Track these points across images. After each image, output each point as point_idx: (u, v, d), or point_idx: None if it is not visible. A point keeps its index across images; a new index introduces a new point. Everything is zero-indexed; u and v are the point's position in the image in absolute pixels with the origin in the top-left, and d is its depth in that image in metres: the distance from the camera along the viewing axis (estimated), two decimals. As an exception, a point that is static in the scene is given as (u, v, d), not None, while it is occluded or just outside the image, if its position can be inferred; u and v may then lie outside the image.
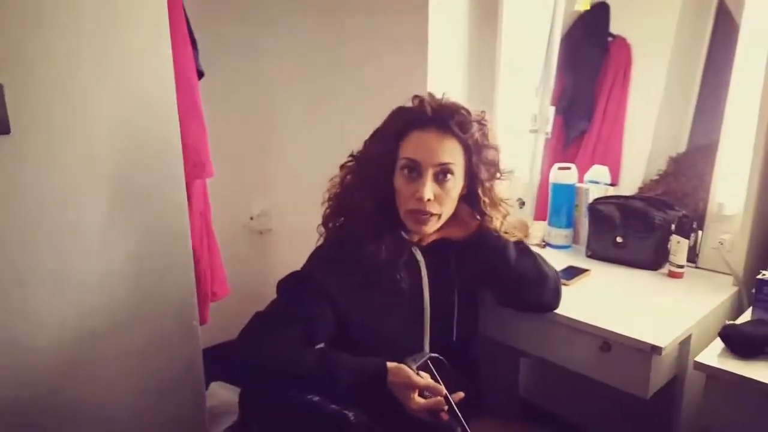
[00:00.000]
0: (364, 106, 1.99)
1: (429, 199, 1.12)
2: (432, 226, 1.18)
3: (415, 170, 1.13)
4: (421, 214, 1.15)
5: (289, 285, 1.18)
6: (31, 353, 1.28)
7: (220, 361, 1.63)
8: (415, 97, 1.18)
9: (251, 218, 2.49)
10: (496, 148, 1.20)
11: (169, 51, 1.36)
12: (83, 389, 1.36)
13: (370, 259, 1.15)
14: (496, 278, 1.27)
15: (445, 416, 1.04)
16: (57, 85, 1.23)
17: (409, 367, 1.08)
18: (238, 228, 2.45)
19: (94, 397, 1.38)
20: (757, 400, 1.06)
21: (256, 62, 2.32)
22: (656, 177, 1.77)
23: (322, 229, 1.25)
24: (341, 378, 1.06)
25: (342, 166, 1.23)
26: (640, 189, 1.77)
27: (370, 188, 1.18)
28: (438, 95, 1.17)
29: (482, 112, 1.19)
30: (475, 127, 1.16)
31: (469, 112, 1.16)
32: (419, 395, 1.05)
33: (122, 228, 1.37)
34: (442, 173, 1.14)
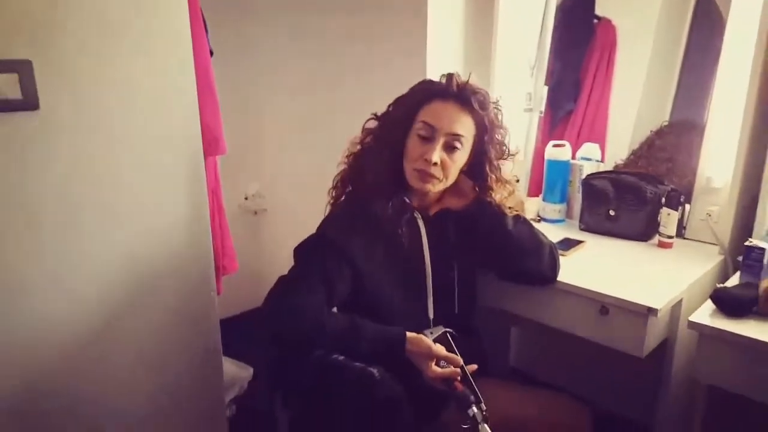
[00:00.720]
0: (359, 87, 2.04)
1: (435, 163, 1.19)
2: (434, 187, 1.24)
3: (429, 135, 1.20)
4: (425, 173, 1.21)
5: (308, 249, 1.22)
6: (51, 331, 1.30)
7: (221, 336, 1.66)
8: (444, 75, 1.25)
9: (246, 198, 2.50)
10: (505, 130, 1.28)
11: (188, 30, 1.38)
12: (106, 364, 1.39)
13: (378, 213, 1.21)
14: (494, 246, 1.31)
15: (459, 386, 1.10)
16: (83, 62, 1.24)
17: (427, 338, 1.15)
18: (234, 208, 2.46)
19: (113, 369, 1.41)
20: (744, 354, 1.15)
21: (253, 44, 2.32)
22: (630, 157, 1.83)
23: (333, 192, 1.30)
24: (365, 343, 1.12)
25: (364, 128, 1.29)
26: (616, 167, 1.83)
27: (387, 149, 1.24)
28: (464, 77, 1.24)
29: (498, 97, 1.29)
30: (491, 107, 1.24)
31: (488, 95, 1.24)
32: (436, 364, 1.13)
33: (144, 202, 1.39)
34: (452, 143, 1.21)
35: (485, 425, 1.05)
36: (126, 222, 1.37)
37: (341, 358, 1.12)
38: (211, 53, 1.61)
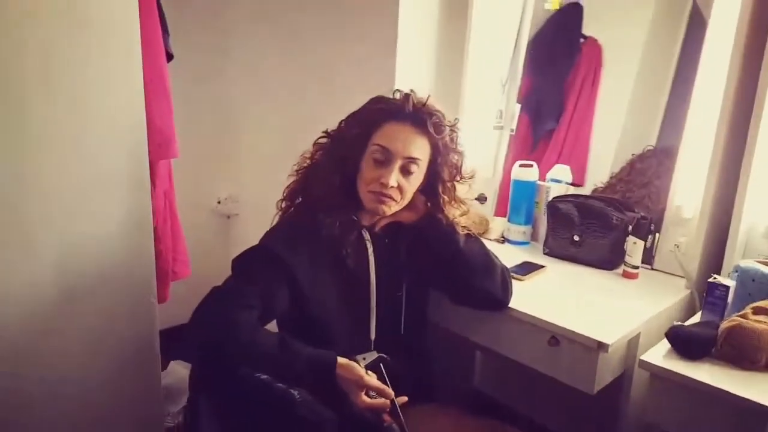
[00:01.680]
0: (331, 96, 2.01)
1: (392, 186, 1.18)
2: (389, 209, 1.22)
3: (385, 158, 1.19)
4: (382, 195, 1.20)
5: (246, 261, 1.19)
6: None
7: (181, 341, 1.61)
8: (398, 91, 1.24)
9: (218, 202, 2.49)
10: (460, 154, 1.26)
11: (137, 29, 1.36)
12: (36, 366, 1.35)
13: (323, 232, 1.19)
14: (444, 264, 1.27)
15: (387, 418, 1.07)
16: (21, 57, 1.22)
17: (359, 364, 1.10)
18: (206, 212, 2.46)
19: (47, 374, 1.37)
20: (699, 400, 1.06)
21: (226, 48, 2.32)
22: (610, 180, 1.78)
23: (282, 204, 1.28)
24: (295, 365, 1.07)
25: (315, 143, 1.27)
26: (595, 190, 1.78)
27: (338, 166, 1.21)
28: (422, 96, 1.23)
29: (456, 119, 1.27)
30: (447, 130, 1.22)
31: (444, 116, 1.22)
32: (366, 394, 1.08)
33: (82, 203, 1.36)
34: (408, 167, 1.19)
35: None
36: (62, 224, 1.34)
37: (264, 377, 1.08)
38: (171, 57, 1.60)
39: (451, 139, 1.24)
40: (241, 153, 2.45)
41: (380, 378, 1.11)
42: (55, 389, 1.37)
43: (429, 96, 1.22)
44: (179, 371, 1.95)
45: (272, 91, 2.29)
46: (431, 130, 1.19)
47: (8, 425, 1.32)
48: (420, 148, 1.19)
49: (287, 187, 1.28)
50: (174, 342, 1.64)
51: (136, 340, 1.51)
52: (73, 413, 1.42)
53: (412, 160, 1.19)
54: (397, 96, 1.23)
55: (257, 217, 2.43)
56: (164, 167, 1.61)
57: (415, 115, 1.19)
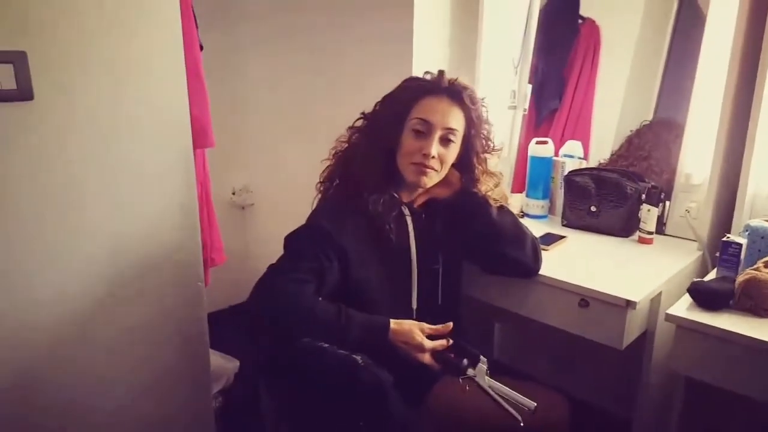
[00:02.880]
0: (347, 84, 2.05)
1: (434, 156, 1.24)
2: (430, 180, 1.28)
3: (424, 130, 1.24)
4: (424, 167, 1.25)
5: (300, 237, 1.24)
6: (35, 324, 1.29)
7: (243, 317, 1.65)
8: (428, 72, 1.30)
9: (233, 193, 2.50)
10: (491, 125, 1.33)
11: (179, 23, 1.39)
12: (91, 353, 1.39)
13: (369, 208, 1.24)
14: (478, 235, 1.34)
15: (449, 356, 1.16)
16: (77, 53, 1.25)
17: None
18: (221, 203, 2.41)
19: (102, 360, 1.41)
20: (720, 346, 1.17)
21: (240, 39, 2.33)
22: (611, 157, 1.86)
23: (320, 187, 1.33)
24: (352, 330, 1.13)
25: (351, 126, 1.32)
26: (600, 164, 1.86)
27: (378, 145, 1.27)
28: (454, 75, 1.28)
29: (484, 96, 1.33)
30: (480, 102, 1.30)
31: (475, 91, 1.29)
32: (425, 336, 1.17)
33: (132, 194, 1.40)
34: (447, 137, 1.26)
35: (487, 378, 1.11)
36: (114, 214, 1.37)
37: (326, 345, 1.14)
38: (201, 48, 1.61)
39: (483, 112, 1.31)
40: (255, 144, 2.47)
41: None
42: (110, 375, 1.42)
43: (458, 77, 1.29)
44: (213, 359, 1.97)
45: (286, 81, 2.31)
46: (467, 101, 1.26)
47: (64, 408, 1.36)
48: (457, 119, 1.26)
49: (325, 170, 1.34)
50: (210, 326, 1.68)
51: (186, 323, 1.55)
52: (128, 396, 1.47)
53: (451, 130, 1.25)
54: (428, 77, 1.29)
55: (272, 207, 2.52)
56: (200, 157, 1.64)
57: (451, 88, 1.26)
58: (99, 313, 1.38)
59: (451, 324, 1.19)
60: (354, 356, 1.12)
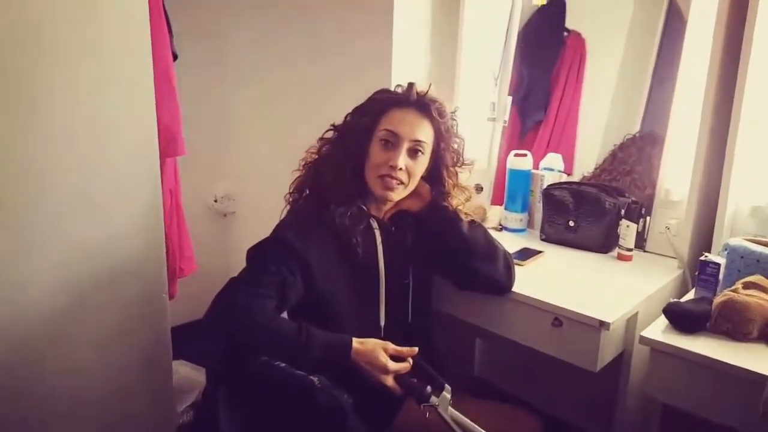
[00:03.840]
0: (328, 92, 2.03)
1: (401, 168, 1.23)
2: (398, 194, 1.26)
3: (392, 142, 1.24)
4: (391, 179, 1.23)
5: (261, 252, 1.21)
6: None
7: (182, 340, 1.65)
8: (399, 85, 1.30)
9: (215, 200, 2.49)
10: (461, 139, 1.33)
11: (147, 29, 1.38)
12: (50, 366, 1.36)
13: (336, 221, 1.22)
14: (449, 250, 1.31)
15: (412, 380, 1.12)
16: (39, 59, 1.24)
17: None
18: (203, 210, 2.47)
19: (61, 373, 1.38)
20: (696, 371, 1.13)
21: (221, 46, 2.33)
22: (594, 171, 1.84)
23: (290, 198, 1.31)
24: (313, 350, 1.10)
25: (321, 137, 1.30)
26: (584, 177, 1.84)
27: (347, 157, 1.26)
28: (424, 86, 1.28)
29: (456, 107, 1.35)
30: (449, 115, 1.29)
31: (444, 104, 1.28)
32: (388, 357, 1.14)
33: (95, 203, 1.37)
34: (415, 149, 1.25)
35: (450, 409, 1.08)
36: (77, 223, 1.35)
37: (282, 365, 1.10)
38: (175, 57, 1.61)
39: (452, 126, 1.30)
40: (238, 151, 2.46)
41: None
42: (70, 386, 1.39)
43: (431, 85, 1.28)
44: (183, 371, 1.96)
45: (268, 89, 2.30)
46: (435, 114, 1.25)
47: (21, 425, 1.32)
48: (425, 132, 1.25)
49: (294, 180, 1.31)
50: (176, 339, 1.64)
51: (149, 336, 1.53)
52: (89, 408, 1.43)
53: (419, 142, 1.24)
54: (399, 90, 1.28)
55: (254, 214, 2.49)
56: (170, 165, 1.62)
57: (419, 101, 1.25)
58: (58, 323, 1.35)
59: (416, 348, 1.16)
60: (311, 377, 1.08)
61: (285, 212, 1.31)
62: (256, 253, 1.21)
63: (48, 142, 1.27)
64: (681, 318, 1.19)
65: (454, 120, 1.30)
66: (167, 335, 1.57)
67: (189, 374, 1.97)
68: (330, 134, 1.30)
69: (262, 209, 2.35)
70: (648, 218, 1.63)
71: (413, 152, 1.24)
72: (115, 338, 1.46)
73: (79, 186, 1.34)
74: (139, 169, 1.43)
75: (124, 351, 1.48)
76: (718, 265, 1.28)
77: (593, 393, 1.71)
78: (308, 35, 2.08)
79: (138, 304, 1.48)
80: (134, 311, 1.48)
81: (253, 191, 2.46)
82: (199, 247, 1.91)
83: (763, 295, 1.16)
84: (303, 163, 1.31)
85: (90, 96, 1.32)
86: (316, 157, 1.30)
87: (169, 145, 1.54)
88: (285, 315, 1.23)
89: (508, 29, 1.93)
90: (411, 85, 1.26)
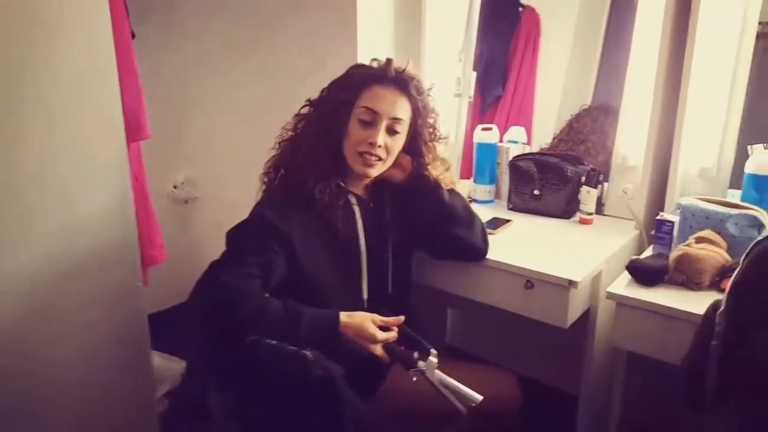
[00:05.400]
0: (291, 72, 2.02)
1: (380, 145, 1.24)
2: (376, 170, 1.28)
3: (371, 119, 1.24)
4: (370, 155, 1.25)
5: (241, 232, 1.21)
6: None
7: (152, 330, 1.62)
8: (375, 59, 1.29)
9: (175, 187, 2.42)
10: (437, 115, 1.35)
11: (107, 10, 1.35)
12: (25, 357, 1.34)
13: (316, 200, 1.23)
14: (430, 218, 1.35)
15: (399, 348, 1.17)
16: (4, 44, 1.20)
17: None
18: (162, 197, 2.37)
19: (36, 365, 1.36)
20: (657, 320, 1.23)
21: (180, 23, 2.26)
22: (552, 141, 1.92)
23: (264, 178, 1.31)
24: (301, 326, 1.12)
25: (297, 114, 1.30)
26: (542, 149, 1.91)
27: (324, 133, 1.26)
28: (402, 64, 1.28)
29: (432, 85, 1.34)
30: (426, 93, 1.31)
31: (421, 80, 1.30)
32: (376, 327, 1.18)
33: (63, 192, 1.35)
34: (393, 127, 1.26)
35: (436, 372, 1.12)
36: (46, 213, 1.32)
37: (273, 342, 1.12)
38: (133, 36, 1.55)
39: (428, 102, 1.32)
40: (197, 135, 2.39)
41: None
42: (47, 378, 1.37)
43: (409, 62, 1.29)
44: (155, 360, 1.91)
45: (229, 68, 2.25)
46: (413, 92, 1.26)
47: (2, 413, 1.31)
48: (403, 109, 1.26)
49: (269, 159, 1.31)
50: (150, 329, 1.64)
51: (125, 325, 1.51)
52: (68, 401, 1.42)
53: (397, 120, 1.25)
54: (375, 64, 1.29)
55: (217, 201, 2.45)
56: (135, 151, 1.59)
57: (398, 78, 1.26)
58: (32, 315, 1.33)
59: (402, 317, 1.21)
60: (304, 351, 1.10)
61: (260, 193, 1.31)
62: (236, 234, 1.22)
63: (10, 133, 1.24)
64: (642, 273, 1.29)
65: (430, 96, 1.32)
66: (144, 324, 1.56)
67: (161, 364, 1.93)
68: (306, 110, 1.30)
69: (227, 194, 2.33)
70: (606, 184, 1.72)
71: (392, 129, 1.26)
72: (92, 331, 1.44)
73: (43, 175, 1.30)
74: (106, 155, 1.40)
75: (102, 343, 1.47)
76: (672, 222, 1.39)
77: (562, 351, 1.80)
78: (271, 12, 2.05)
79: (113, 293, 1.46)
80: (109, 300, 1.46)
81: (216, 176, 2.40)
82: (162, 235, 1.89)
83: (712, 247, 1.27)
84: (278, 140, 1.31)
85: (50, 81, 1.28)
86: (292, 134, 1.30)
87: (133, 129, 1.50)
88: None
89: (470, 5, 1.95)
90: (389, 61, 1.27)
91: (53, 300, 1.36)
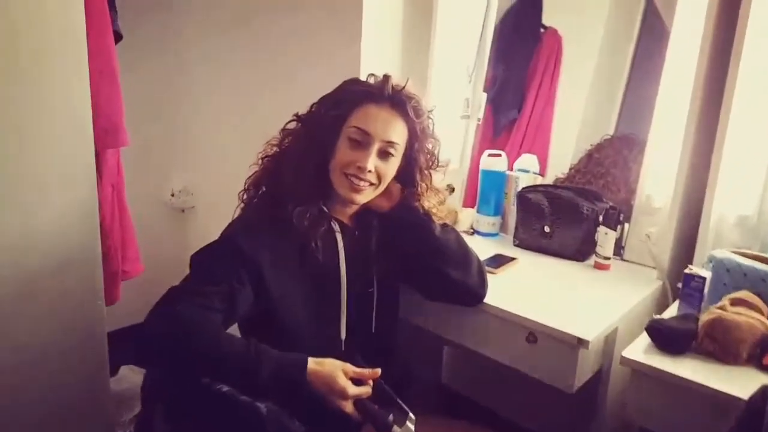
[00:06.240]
0: (293, 85, 1.93)
1: (370, 170, 1.14)
2: (365, 196, 1.17)
3: (362, 141, 1.14)
4: (358, 180, 1.14)
5: (206, 257, 1.11)
6: None
7: (134, 345, 1.52)
8: (372, 75, 1.20)
9: (172, 195, 2.37)
10: (436, 140, 1.24)
11: (82, 5, 1.27)
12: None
13: (294, 222, 1.13)
14: (419, 255, 1.23)
15: (372, 406, 1.03)
16: None
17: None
18: (158, 206, 2.35)
19: None
20: (681, 396, 1.04)
21: (179, 29, 2.21)
22: (569, 172, 1.78)
23: (243, 195, 1.21)
24: (262, 370, 0.98)
25: (283, 129, 1.21)
26: (556, 181, 1.78)
27: (311, 151, 1.16)
28: (402, 81, 1.18)
29: (434, 105, 1.25)
30: (425, 115, 1.20)
31: (421, 102, 1.20)
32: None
33: (18, 198, 1.27)
34: (387, 150, 1.16)
35: None
36: (4, 222, 1.24)
37: (225, 389, 0.99)
38: (120, 37, 1.49)
39: (428, 126, 1.21)
40: (196, 142, 2.34)
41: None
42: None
43: (408, 80, 1.18)
44: (131, 377, 1.86)
45: (229, 77, 2.19)
46: (411, 114, 1.16)
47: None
48: (398, 133, 1.16)
49: (251, 176, 1.21)
50: (126, 344, 1.53)
51: (82, 345, 1.42)
52: (21, 422, 1.32)
53: (391, 144, 1.14)
54: (371, 80, 1.19)
55: (215, 210, 2.37)
56: (112, 157, 1.52)
57: (395, 98, 1.15)
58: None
59: (378, 369, 1.05)
60: (257, 404, 0.97)
61: (238, 211, 1.20)
62: (200, 258, 1.11)
63: None
64: (665, 337, 1.11)
65: (431, 119, 1.21)
66: (103, 345, 1.45)
67: (138, 381, 1.84)
68: (293, 125, 1.20)
69: (224, 203, 2.25)
70: (626, 225, 1.56)
71: (384, 153, 1.15)
72: (46, 347, 1.35)
73: (5, 184, 1.22)
74: (71, 160, 1.32)
75: (56, 361, 1.37)
76: (704, 278, 1.20)
77: (567, 408, 1.64)
78: (272, 24, 1.97)
79: (70, 310, 1.37)
80: (66, 318, 1.37)
81: (214, 184, 2.33)
82: (155, 245, 1.86)
83: (752, 313, 1.08)
84: (261, 155, 1.20)
85: (11, 78, 1.19)
86: (277, 150, 1.19)
87: (108, 135, 1.43)
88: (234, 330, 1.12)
89: (484, 23, 1.85)
90: (387, 78, 1.16)
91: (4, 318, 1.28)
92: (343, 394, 1.01)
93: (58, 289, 1.34)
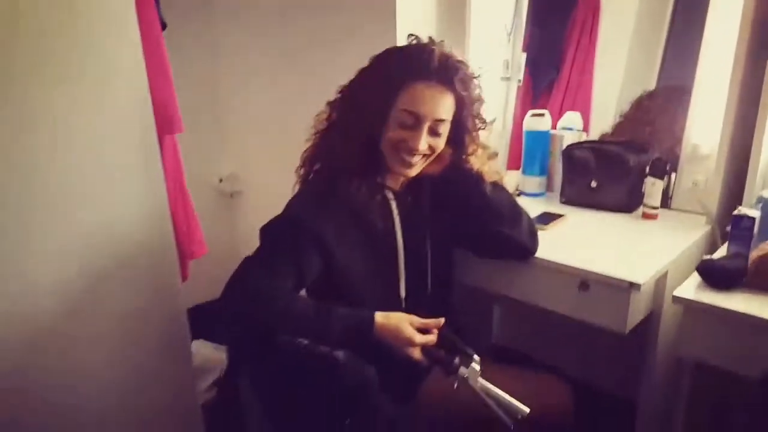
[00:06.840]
0: (330, 60, 1.94)
1: (422, 149, 1.16)
2: (417, 168, 1.19)
3: (412, 123, 1.14)
4: (411, 156, 1.16)
5: (274, 230, 1.16)
6: (8, 326, 1.24)
7: (199, 321, 1.64)
8: (414, 36, 1.17)
9: (220, 180, 2.43)
10: (482, 101, 1.22)
11: (133, 5, 1.30)
12: (66, 356, 1.34)
13: (351, 196, 1.16)
14: (471, 213, 1.25)
15: (439, 353, 1.09)
16: (17, 40, 1.17)
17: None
18: (207, 191, 2.39)
19: (78, 364, 1.36)
20: (732, 329, 1.09)
21: (222, 16, 2.23)
22: (619, 121, 1.76)
23: (300, 171, 1.24)
24: (333, 327, 1.06)
25: (330, 102, 1.22)
26: (603, 136, 1.77)
27: (359, 127, 1.16)
28: (443, 45, 1.15)
29: (480, 68, 1.21)
30: (472, 84, 1.18)
31: (468, 68, 1.17)
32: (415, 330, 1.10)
33: (94, 191, 1.32)
34: (436, 127, 1.16)
35: (479, 380, 1.04)
36: (80, 210, 1.30)
37: (305, 342, 1.08)
38: (165, 25, 1.51)
39: (475, 92, 1.20)
40: (243, 128, 2.38)
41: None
42: (88, 377, 1.37)
43: (450, 48, 1.15)
44: (203, 351, 1.97)
45: (271, 61, 2.21)
46: (458, 87, 1.14)
47: (40, 412, 1.31)
48: (447, 107, 1.15)
49: (304, 152, 1.24)
50: (193, 320, 1.62)
51: (164, 321, 1.50)
52: (108, 398, 1.41)
53: (441, 121, 1.15)
54: (414, 42, 1.16)
55: (262, 194, 2.42)
56: (170, 144, 1.55)
57: (441, 71, 1.12)
58: (71, 311, 1.32)
59: (442, 319, 1.12)
60: (335, 353, 1.05)
61: (297, 186, 1.25)
62: (268, 231, 1.17)
63: (37, 134, 1.21)
64: (716, 275, 1.15)
65: (478, 86, 1.19)
66: (182, 318, 1.54)
67: (209, 353, 1.97)
68: (339, 99, 1.21)
69: (271, 187, 2.28)
70: (673, 174, 1.56)
71: (434, 130, 1.15)
72: (130, 326, 1.43)
73: (74, 173, 1.27)
74: (137, 150, 1.36)
75: (141, 340, 1.45)
76: (753, 218, 1.22)
77: (617, 355, 1.68)
78: (310, 4, 1.98)
79: (150, 288, 1.44)
80: (147, 296, 1.44)
81: (261, 169, 2.38)
82: (207, 228, 1.87)
83: (802, 248, 1.11)
84: (313, 131, 1.23)
85: (76, 79, 1.24)
86: (327, 123, 1.22)
87: (165, 122, 1.45)
88: (303, 292, 1.20)
89: None
90: (431, 50, 1.12)
91: (91, 301, 1.35)
92: (411, 342, 1.07)
93: (138, 272, 1.41)
